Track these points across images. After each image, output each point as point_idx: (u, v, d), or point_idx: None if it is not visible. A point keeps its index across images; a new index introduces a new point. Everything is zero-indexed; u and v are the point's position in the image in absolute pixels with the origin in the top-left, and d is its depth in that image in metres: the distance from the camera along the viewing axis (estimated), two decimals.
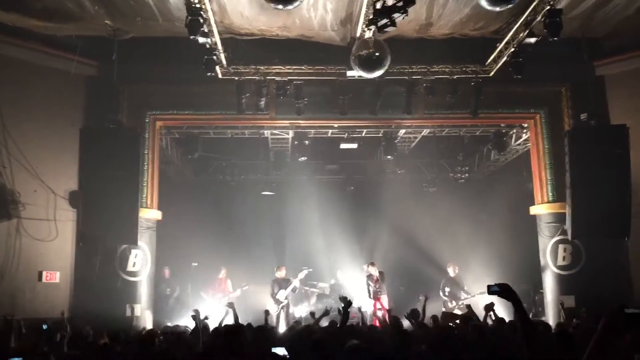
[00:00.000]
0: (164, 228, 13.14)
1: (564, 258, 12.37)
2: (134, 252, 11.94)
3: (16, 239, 11.27)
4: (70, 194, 11.93)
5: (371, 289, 13.39)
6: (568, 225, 11.76)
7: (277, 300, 13.15)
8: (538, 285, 13.20)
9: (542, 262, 12.74)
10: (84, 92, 12.45)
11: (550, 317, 11.88)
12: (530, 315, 11.12)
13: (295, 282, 13.49)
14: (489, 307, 9.09)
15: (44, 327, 7.50)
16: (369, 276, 13.55)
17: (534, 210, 13.17)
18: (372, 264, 13.77)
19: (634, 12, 10.47)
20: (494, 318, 8.95)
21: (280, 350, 5.61)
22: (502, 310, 10.94)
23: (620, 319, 2.82)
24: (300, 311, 14.62)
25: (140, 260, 12.06)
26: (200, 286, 14.18)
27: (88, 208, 11.23)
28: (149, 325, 11.96)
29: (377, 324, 11.94)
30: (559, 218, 12.34)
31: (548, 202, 12.82)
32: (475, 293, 13.31)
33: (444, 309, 13.99)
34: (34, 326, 8.98)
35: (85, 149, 11.40)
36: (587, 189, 11.46)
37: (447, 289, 13.87)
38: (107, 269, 11.70)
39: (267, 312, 9.22)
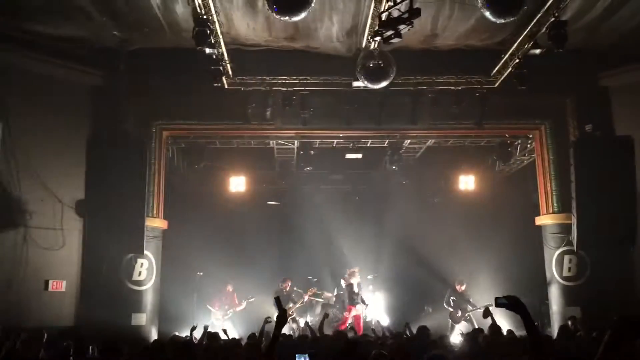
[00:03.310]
0: (170, 237, 13.18)
1: (569, 269, 12.32)
2: (139, 261, 11.98)
3: (23, 247, 11.31)
4: (77, 203, 11.98)
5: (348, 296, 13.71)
6: (574, 236, 11.76)
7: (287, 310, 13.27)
8: (544, 296, 13.15)
9: (547, 273, 12.70)
10: (91, 102, 12.51)
11: (556, 329, 11.82)
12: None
13: (306, 297, 13.75)
14: (487, 312, 9.18)
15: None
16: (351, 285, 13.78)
17: (539, 220, 13.16)
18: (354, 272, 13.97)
19: (639, 23, 10.51)
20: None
21: (303, 358, 5.64)
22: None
23: (628, 329, 2.83)
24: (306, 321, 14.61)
25: (146, 270, 12.09)
26: (206, 296, 14.18)
27: (94, 217, 11.30)
28: (154, 335, 11.99)
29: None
30: (565, 229, 12.33)
31: (553, 212, 12.80)
32: (481, 305, 13.29)
33: (450, 320, 14.00)
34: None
35: (92, 159, 11.50)
36: (592, 199, 11.47)
37: (452, 300, 13.85)
38: (113, 278, 11.74)
39: (266, 320, 9.13)
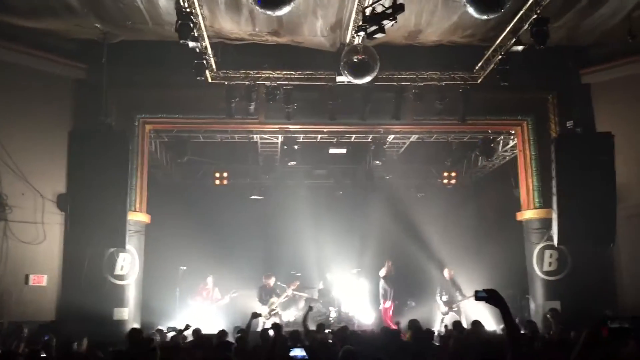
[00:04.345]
0: (153, 232, 13.11)
1: (550, 264, 12.46)
2: (122, 255, 11.91)
3: (3, 241, 11.17)
4: (58, 197, 11.87)
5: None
6: (554, 232, 11.87)
7: (269, 305, 13.36)
8: (525, 290, 13.29)
9: (528, 268, 12.83)
10: (73, 95, 12.41)
11: (537, 323, 11.94)
12: (517, 321, 11.17)
13: (289, 292, 13.72)
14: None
15: None
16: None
17: (520, 216, 13.28)
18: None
19: (619, 21, 10.62)
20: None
21: (299, 352, 5.68)
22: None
23: (604, 332, 2.87)
24: (289, 315, 14.63)
25: (129, 264, 12.03)
26: (189, 291, 14.14)
27: (76, 211, 11.19)
28: None
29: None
30: (546, 224, 12.45)
31: (535, 208, 12.92)
32: (470, 295, 13.38)
33: (440, 312, 14.07)
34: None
35: (74, 152, 11.38)
36: (573, 195, 11.58)
37: (444, 296, 13.87)
38: (94, 273, 11.66)
39: (254, 315, 9.11)
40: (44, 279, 11.61)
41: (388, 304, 14.15)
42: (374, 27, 8.47)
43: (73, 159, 11.37)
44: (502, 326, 8.92)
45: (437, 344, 8.53)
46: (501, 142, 14.81)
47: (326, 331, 9.83)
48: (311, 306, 10.64)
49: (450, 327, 12.07)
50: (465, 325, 10.43)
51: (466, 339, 7.83)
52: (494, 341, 7.18)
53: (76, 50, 12.14)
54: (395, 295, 14.33)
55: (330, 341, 8.25)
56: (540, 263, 12.56)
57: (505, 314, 3.40)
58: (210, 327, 11.16)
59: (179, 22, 9.55)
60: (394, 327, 12.83)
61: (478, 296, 3.46)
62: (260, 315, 9.22)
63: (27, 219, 11.55)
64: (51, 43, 11.82)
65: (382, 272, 14.48)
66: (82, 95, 12.36)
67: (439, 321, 13.59)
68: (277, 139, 14.60)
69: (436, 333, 10.34)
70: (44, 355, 7.10)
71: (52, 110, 12.11)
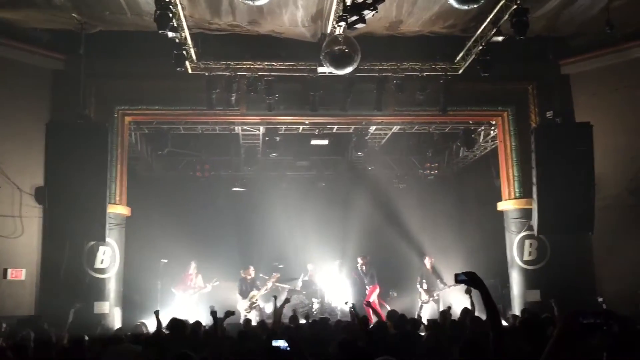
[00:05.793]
0: (133, 224, 13.00)
1: (530, 253, 12.60)
2: (102, 248, 11.79)
3: None
4: (36, 190, 11.72)
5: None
6: (534, 221, 11.99)
7: (249, 299, 13.34)
8: (505, 279, 13.42)
9: (508, 257, 12.97)
10: (50, 86, 12.23)
11: (517, 311, 12.07)
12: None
13: (269, 284, 13.71)
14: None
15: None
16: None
17: (501, 206, 13.39)
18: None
19: (598, 12, 10.70)
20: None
21: (281, 343, 5.70)
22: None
23: (576, 326, 2.87)
24: (271, 308, 14.62)
25: (109, 257, 11.91)
26: (171, 282, 14.07)
27: (55, 204, 11.05)
28: (117, 323, 11.86)
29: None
30: (526, 214, 12.57)
31: (515, 198, 13.04)
32: (450, 284, 13.50)
33: (420, 300, 14.16)
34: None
35: (52, 144, 11.20)
36: (552, 185, 11.70)
37: (424, 284, 13.96)
38: (74, 266, 11.53)
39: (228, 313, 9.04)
40: (22, 273, 11.47)
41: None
42: (354, 17, 8.46)
43: (51, 151, 11.20)
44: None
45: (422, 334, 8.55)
46: (482, 132, 14.89)
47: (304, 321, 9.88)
48: (288, 299, 10.69)
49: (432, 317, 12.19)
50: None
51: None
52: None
53: (53, 40, 11.95)
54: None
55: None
56: (520, 252, 12.69)
57: (485, 296, 3.45)
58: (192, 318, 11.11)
59: (158, 11, 9.42)
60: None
61: (458, 279, 3.52)
62: (233, 313, 9.20)
63: (5, 212, 11.40)
64: (28, 33, 11.63)
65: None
66: (59, 86, 12.18)
67: (418, 308, 13.71)
68: (259, 130, 14.52)
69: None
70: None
71: (29, 101, 11.93)
